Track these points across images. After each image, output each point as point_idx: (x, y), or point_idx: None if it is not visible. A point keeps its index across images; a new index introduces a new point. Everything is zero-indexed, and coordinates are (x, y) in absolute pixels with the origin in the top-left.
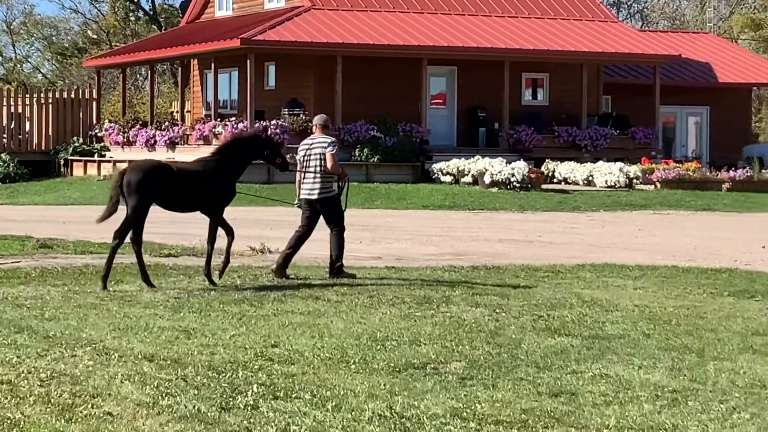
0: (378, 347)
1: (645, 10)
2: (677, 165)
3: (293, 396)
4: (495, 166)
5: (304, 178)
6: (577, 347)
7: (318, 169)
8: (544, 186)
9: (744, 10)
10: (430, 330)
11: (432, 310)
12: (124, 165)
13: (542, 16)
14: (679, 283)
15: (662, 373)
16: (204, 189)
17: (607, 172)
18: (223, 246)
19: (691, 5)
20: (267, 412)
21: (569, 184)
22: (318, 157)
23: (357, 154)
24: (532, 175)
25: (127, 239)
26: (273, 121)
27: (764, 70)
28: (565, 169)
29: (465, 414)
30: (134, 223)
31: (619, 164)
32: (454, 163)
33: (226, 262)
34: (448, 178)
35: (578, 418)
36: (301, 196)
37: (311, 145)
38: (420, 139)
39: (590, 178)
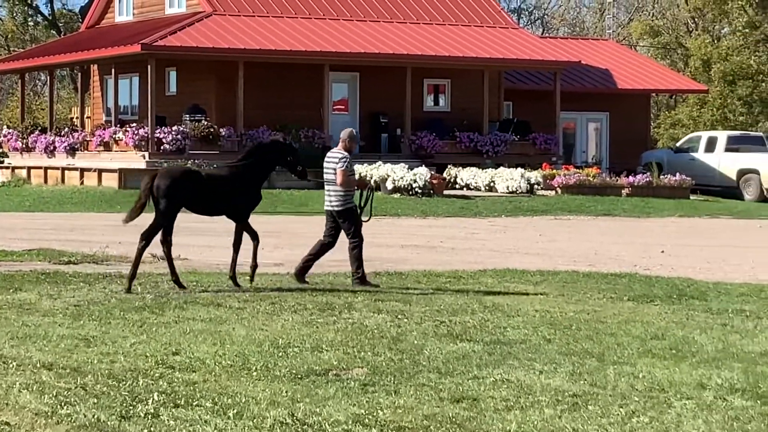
0: (280, 354)
1: (545, 17)
2: (578, 171)
3: (194, 404)
4: (397, 172)
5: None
6: (478, 353)
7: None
8: (446, 192)
9: (642, 17)
10: (332, 336)
11: (334, 317)
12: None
13: (444, 22)
14: (580, 288)
15: (563, 378)
16: (230, 194)
17: (509, 178)
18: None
19: (591, 12)
20: (168, 420)
21: (471, 189)
22: (332, 171)
23: None
24: (434, 181)
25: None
26: (174, 127)
27: (662, 77)
28: (467, 174)
29: (367, 420)
30: (164, 226)
31: (520, 170)
32: (357, 169)
33: (254, 266)
34: None
35: (480, 424)
36: (325, 207)
37: (329, 158)
38: (322, 145)
39: (492, 184)
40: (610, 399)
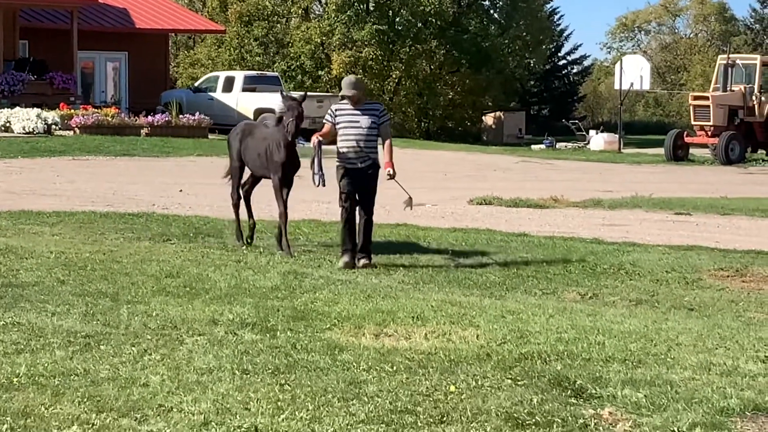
0: None
1: None
2: (96, 110)
3: None
4: None
5: None
6: None
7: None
8: None
9: None
10: None
11: None
12: None
13: None
14: (97, 229)
15: (75, 319)
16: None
17: (25, 119)
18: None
19: None
20: None
21: None
22: None
23: None
24: None
25: None
26: None
27: (181, 17)
28: None
29: None
30: (232, 179)
31: (37, 110)
32: None
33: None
34: None
35: None
36: None
37: None
38: None
39: (8, 125)
40: (123, 338)
